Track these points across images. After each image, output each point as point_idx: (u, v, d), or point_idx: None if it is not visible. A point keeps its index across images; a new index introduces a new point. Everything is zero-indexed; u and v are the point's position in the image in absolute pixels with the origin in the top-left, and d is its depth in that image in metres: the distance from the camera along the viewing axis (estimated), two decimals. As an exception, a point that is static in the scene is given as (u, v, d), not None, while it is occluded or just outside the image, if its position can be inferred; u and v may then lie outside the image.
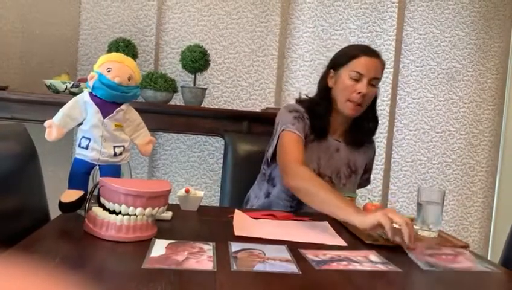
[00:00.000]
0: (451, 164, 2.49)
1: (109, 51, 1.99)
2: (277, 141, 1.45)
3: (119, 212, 0.97)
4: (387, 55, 2.39)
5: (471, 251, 1.12)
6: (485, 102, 2.49)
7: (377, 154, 2.39)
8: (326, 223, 1.28)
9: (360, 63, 1.41)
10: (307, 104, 1.51)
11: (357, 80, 1.41)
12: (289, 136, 1.41)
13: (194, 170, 2.36)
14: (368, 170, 1.67)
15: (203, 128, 2.06)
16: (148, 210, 0.97)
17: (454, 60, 2.47)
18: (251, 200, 1.60)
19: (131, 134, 1.16)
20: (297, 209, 1.48)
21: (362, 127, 1.54)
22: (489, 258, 2.40)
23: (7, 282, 0.31)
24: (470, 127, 2.49)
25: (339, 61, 1.47)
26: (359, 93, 1.40)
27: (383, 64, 1.46)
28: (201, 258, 0.88)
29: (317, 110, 1.48)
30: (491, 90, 2.49)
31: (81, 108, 1.09)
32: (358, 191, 2.40)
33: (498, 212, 2.59)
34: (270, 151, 1.50)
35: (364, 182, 1.69)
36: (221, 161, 1.97)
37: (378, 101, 2.39)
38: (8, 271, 0.32)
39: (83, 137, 1.10)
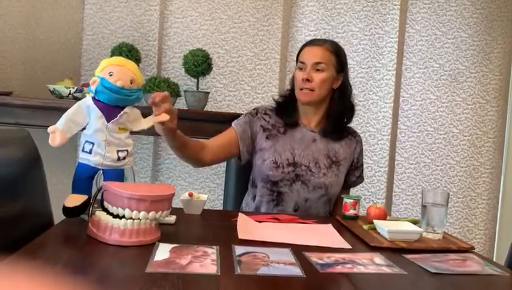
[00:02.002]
0: (455, 166, 2.48)
1: (112, 55, 2.00)
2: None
3: (123, 216, 0.97)
4: (390, 58, 2.38)
5: (476, 253, 1.12)
6: (488, 103, 2.48)
7: (380, 156, 2.41)
8: (330, 225, 1.27)
9: (303, 54, 1.55)
10: (278, 100, 1.63)
11: (303, 69, 1.52)
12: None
13: (198, 173, 2.35)
14: (358, 166, 1.65)
15: (206, 132, 2.05)
16: (151, 214, 0.97)
17: (457, 61, 2.46)
18: (243, 209, 1.64)
19: (138, 126, 1.16)
20: (278, 201, 1.53)
21: (335, 118, 1.58)
22: (494, 260, 2.39)
23: (12, 287, 0.31)
24: (473, 129, 2.48)
25: (296, 59, 1.60)
26: (303, 79, 1.50)
27: (329, 49, 1.53)
28: (205, 261, 0.88)
29: (283, 104, 1.61)
30: (495, 92, 2.48)
31: (84, 113, 1.10)
32: (360, 192, 2.42)
33: (503, 213, 2.58)
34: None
35: (358, 179, 1.66)
36: (225, 164, 1.97)
37: (381, 104, 2.41)
38: (13, 276, 0.32)
39: (86, 141, 1.10)
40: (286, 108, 1.59)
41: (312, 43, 1.57)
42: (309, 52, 1.53)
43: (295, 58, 1.61)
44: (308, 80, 1.49)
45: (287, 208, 1.52)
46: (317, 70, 1.50)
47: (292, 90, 1.58)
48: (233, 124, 1.59)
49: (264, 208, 1.55)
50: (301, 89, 1.51)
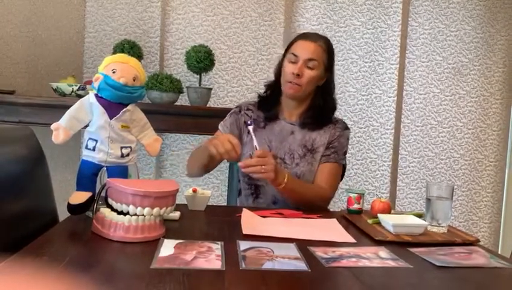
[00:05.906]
0: (459, 159, 2.47)
1: (114, 53, 2.00)
2: None
3: (127, 213, 0.97)
4: (393, 51, 2.37)
5: (482, 245, 1.11)
6: (492, 96, 2.47)
7: (384, 150, 2.40)
8: (334, 220, 1.27)
9: (297, 46, 1.51)
10: (261, 93, 1.63)
11: (294, 62, 1.48)
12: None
13: (201, 170, 2.35)
14: (329, 147, 1.54)
15: (210, 128, 2.05)
16: (155, 210, 0.97)
17: (461, 54, 2.45)
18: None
19: (138, 134, 1.17)
20: (257, 194, 1.54)
21: (315, 113, 1.55)
22: (499, 252, 2.38)
23: (17, 285, 0.31)
24: (477, 122, 2.47)
25: (286, 48, 1.56)
26: (293, 73, 1.47)
27: (323, 47, 1.50)
28: (209, 257, 0.88)
29: (265, 97, 1.60)
30: (498, 84, 2.47)
31: (87, 110, 1.10)
32: (364, 187, 2.41)
33: (508, 206, 2.57)
34: None
35: (322, 157, 1.54)
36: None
37: (384, 97, 2.40)
38: (18, 274, 0.32)
39: (90, 139, 1.10)
40: (269, 101, 1.59)
41: (307, 37, 1.53)
42: (303, 46, 1.49)
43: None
44: (298, 75, 1.46)
45: (266, 200, 1.53)
46: (308, 67, 1.47)
47: (277, 80, 1.56)
48: (220, 126, 1.61)
49: (246, 202, 1.56)
50: (289, 82, 1.49)
